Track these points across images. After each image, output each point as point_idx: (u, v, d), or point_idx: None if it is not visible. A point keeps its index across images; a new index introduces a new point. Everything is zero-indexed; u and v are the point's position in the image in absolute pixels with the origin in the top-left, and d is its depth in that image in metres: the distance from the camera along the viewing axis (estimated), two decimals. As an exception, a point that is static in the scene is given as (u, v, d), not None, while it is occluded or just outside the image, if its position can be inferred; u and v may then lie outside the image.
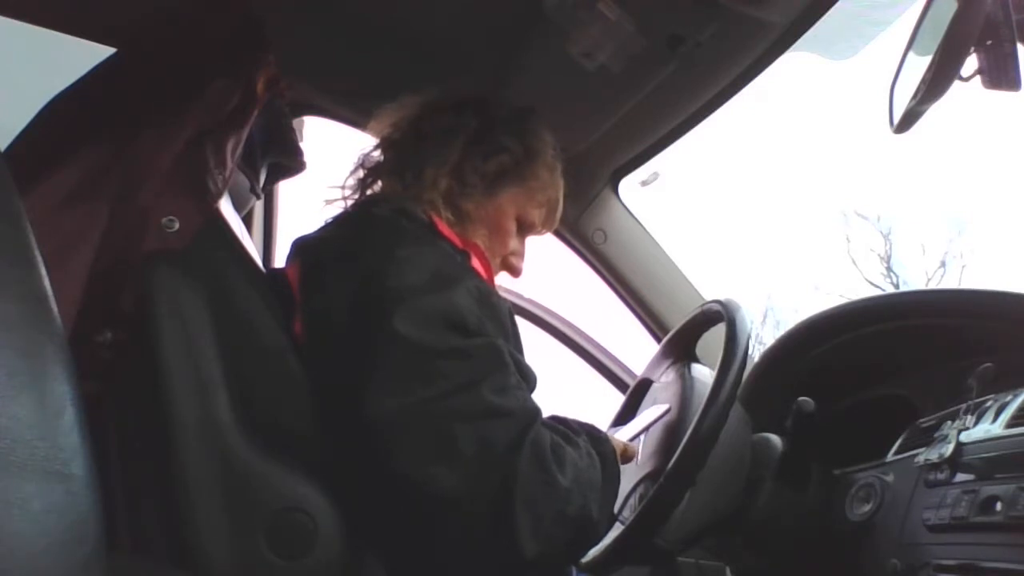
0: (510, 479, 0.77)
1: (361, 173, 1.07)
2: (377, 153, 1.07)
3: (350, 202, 1.06)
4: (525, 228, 1.08)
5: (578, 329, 1.79)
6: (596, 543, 0.91)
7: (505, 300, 0.92)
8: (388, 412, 0.78)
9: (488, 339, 0.83)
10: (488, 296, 0.88)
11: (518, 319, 0.97)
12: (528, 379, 0.89)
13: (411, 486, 0.77)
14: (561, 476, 0.80)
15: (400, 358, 0.79)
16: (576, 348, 1.78)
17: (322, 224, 1.01)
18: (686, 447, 0.94)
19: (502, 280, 1.11)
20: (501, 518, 0.77)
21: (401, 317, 0.80)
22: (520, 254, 1.09)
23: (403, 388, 0.78)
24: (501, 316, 0.89)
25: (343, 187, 1.07)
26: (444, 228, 0.97)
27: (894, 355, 1.21)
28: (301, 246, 0.98)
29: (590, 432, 0.93)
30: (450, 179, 0.99)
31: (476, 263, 0.97)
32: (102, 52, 1.01)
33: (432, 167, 0.98)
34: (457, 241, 0.97)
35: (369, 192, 1.06)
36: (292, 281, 0.92)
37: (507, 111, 1.06)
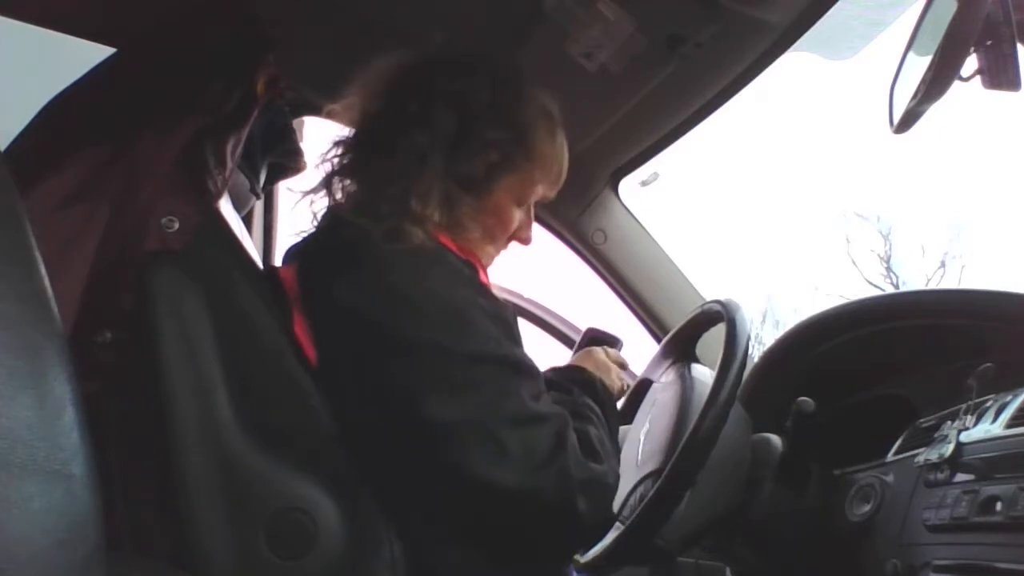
0: (565, 473, 0.82)
1: (332, 180, 0.99)
2: (338, 153, 1.00)
3: (320, 204, 1.00)
4: (528, 203, 1.03)
5: (572, 324, 1.80)
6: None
7: (509, 309, 0.92)
8: (440, 423, 0.81)
9: (511, 349, 0.87)
10: (499, 313, 0.89)
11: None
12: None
13: (477, 486, 0.81)
14: (596, 462, 0.87)
15: (438, 373, 0.82)
16: (570, 344, 1.78)
17: (314, 231, 0.98)
18: (686, 447, 0.94)
19: (500, 278, 1.11)
20: (564, 508, 0.83)
21: (428, 335, 0.82)
22: (527, 225, 1.05)
23: (453, 400, 0.82)
24: (513, 331, 0.91)
25: (313, 191, 1.01)
26: (446, 241, 0.93)
27: (894, 355, 1.20)
28: (297, 253, 0.97)
29: (576, 381, 0.99)
30: (438, 198, 0.92)
31: (481, 273, 0.97)
32: (102, 52, 1.01)
33: (416, 192, 0.90)
34: (460, 252, 0.94)
35: (340, 194, 0.99)
36: (288, 282, 0.92)
37: (483, 90, 0.95)
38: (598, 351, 1.10)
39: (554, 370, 1.03)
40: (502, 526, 0.86)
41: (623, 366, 1.14)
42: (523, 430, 0.82)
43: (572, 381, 0.99)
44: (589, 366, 1.06)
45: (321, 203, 1.02)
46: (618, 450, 0.95)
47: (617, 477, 0.90)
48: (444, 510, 0.86)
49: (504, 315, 0.90)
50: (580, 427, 0.89)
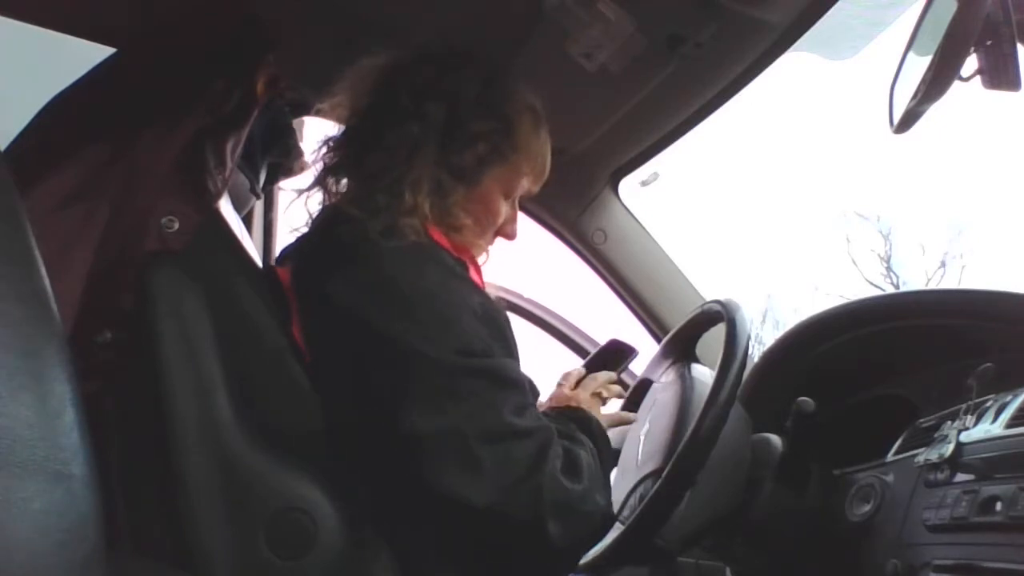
0: (537, 494, 0.81)
1: (326, 178, 1.01)
2: (330, 151, 1.01)
3: (314, 200, 1.02)
4: (514, 196, 1.05)
5: (572, 324, 1.80)
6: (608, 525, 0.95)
7: (502, 309, 0.92)
8: (418, 433, 0.80)
9: (499, 360, 0.86)
10: (491, 314, 0.89)
11: (516, 318, 0.98)
12: (532, 392, 0.92)
13: (447, 501, 0.81)
14: (578, 482, 0.85)
15: (422, 380, 0.81)
16: (570, 344, 1.78)
17: (310, 229, 0.99)
18: (686, 447, 0.94)
19: (501, 279, 1.11)
20: (534, 529, 0.82)
21: (416, 340, 0.82)
22: (512, 219, 1.06)
23: (432, 409, 0.81)
24: (505, 333, 0.91)
25: (307, 190, 1.02)
26: (439, 237, 0.94)
27: (894, 355, 1.20)
28: (294, 252, 0.97)
29: (571, 416, 0.98)
30: (428, 187, 0.93)
31: (472, 271, 0.97)
32: (102, 52, 1.01)
33: (408, 182, 0.92)
34: (453, 249, 0.95)
35: (334, 192, 1.01)
36: (285, 283, 0.92)
37: (471, 84, 0.97)
38: (579, 392, 1.10)
39: (552, 408, 1.03)
40: (476, 540, 0.85)
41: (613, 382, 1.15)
42: (500, 445, 0.81)
43: (569, 418, 0.99)
44: (579, 404, 1.05)
45: (316, 202, 1.03)
46: (607, 484, 0.94)
47: (597, 505, 0.88)
48: (427, 519, 0.85)
49: (496, 316, 0.90)
50: (569, 447, 0.89)
